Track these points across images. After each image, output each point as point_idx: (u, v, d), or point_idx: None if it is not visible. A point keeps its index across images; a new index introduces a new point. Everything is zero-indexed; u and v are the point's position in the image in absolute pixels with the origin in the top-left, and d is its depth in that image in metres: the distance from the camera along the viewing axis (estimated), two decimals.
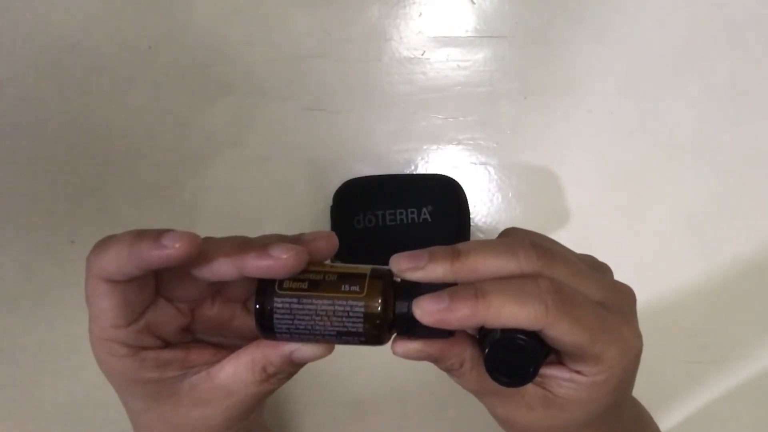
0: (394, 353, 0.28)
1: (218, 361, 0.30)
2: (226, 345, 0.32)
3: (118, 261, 0.27)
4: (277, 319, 0.27)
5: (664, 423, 0.52)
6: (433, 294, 0.26)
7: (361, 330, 0.27)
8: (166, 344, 0.30)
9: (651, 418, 0.38)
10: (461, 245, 0.28)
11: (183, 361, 0.30)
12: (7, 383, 0.50)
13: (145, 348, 0.29)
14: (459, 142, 0.54)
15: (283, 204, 0.53)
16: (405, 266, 0.27)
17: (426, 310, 0.26)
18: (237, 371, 0.29)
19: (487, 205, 0.54)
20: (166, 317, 0.30)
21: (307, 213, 0.52)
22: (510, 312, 0.25)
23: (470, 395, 0.31)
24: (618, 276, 0.31)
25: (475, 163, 0.54)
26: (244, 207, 0.52)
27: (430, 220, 0.48)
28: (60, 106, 0.52)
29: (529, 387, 0.29)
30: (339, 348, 0.30)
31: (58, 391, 0.50)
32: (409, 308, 0.27)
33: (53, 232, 0.51)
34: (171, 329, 0.30)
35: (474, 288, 0.26)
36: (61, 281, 0.50)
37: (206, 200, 0.52)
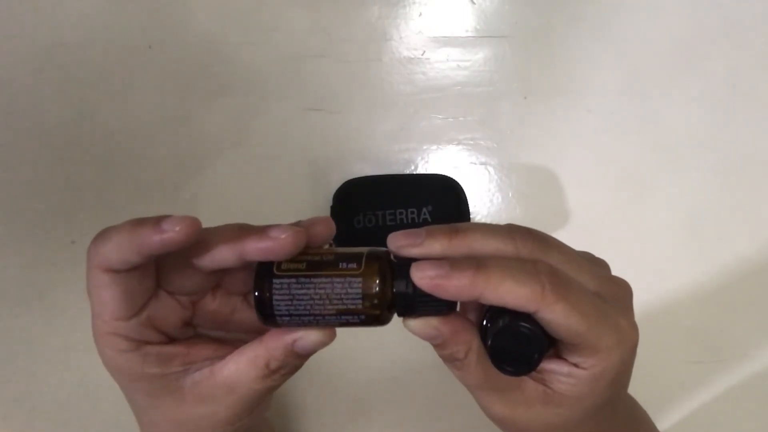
0: (407, 327, 0.28)
1: (221, 356, 0.30)
2: (228, 340, 0.32)
3: (120, 249, 0.27)
4: (276, 301, 0.27)
5: (664, 423, 0.52)
6: (434, 261, 0.26)
7: (360, 307, 0.27)
8: (169, 339, 0.30)
9: (646, 414, 0.38)
10: (460, 224, 0.28)
11: (186, 356, 0.30)
12: (7, 383, 0.50)
13: (147, 342, 0.29)
14: (459, 142, 0.53)
15: (283, 204, 0.53)
16: (402, 242, 0.27)
17: (425, 273, 0.26)
18: (240, 367, 0.29)
19: (487, 205, 0.54)
20: (168, 310, 0.30)
21: (307, 213, 0.52)
22: (507, 289, 0.25)
23: (470, 395, 0.31)
24: (618, 276, 0.31)
25: (475, 163, 0.54)
26: (244, 207, 0.52)
27: (430, 220, 0.48)
28: (60, 106, 0.52)
29: (529, 383, 0.29)
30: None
31: (58, 390, 0.50)
32: (408, 286, 0.27)
33: (53, 232, 0.51)
34: (173, 323, 0.30)
35: (475, 261, 0.26)
36: (61, 281, 0.50)
37: (206, 200, 0.52)
